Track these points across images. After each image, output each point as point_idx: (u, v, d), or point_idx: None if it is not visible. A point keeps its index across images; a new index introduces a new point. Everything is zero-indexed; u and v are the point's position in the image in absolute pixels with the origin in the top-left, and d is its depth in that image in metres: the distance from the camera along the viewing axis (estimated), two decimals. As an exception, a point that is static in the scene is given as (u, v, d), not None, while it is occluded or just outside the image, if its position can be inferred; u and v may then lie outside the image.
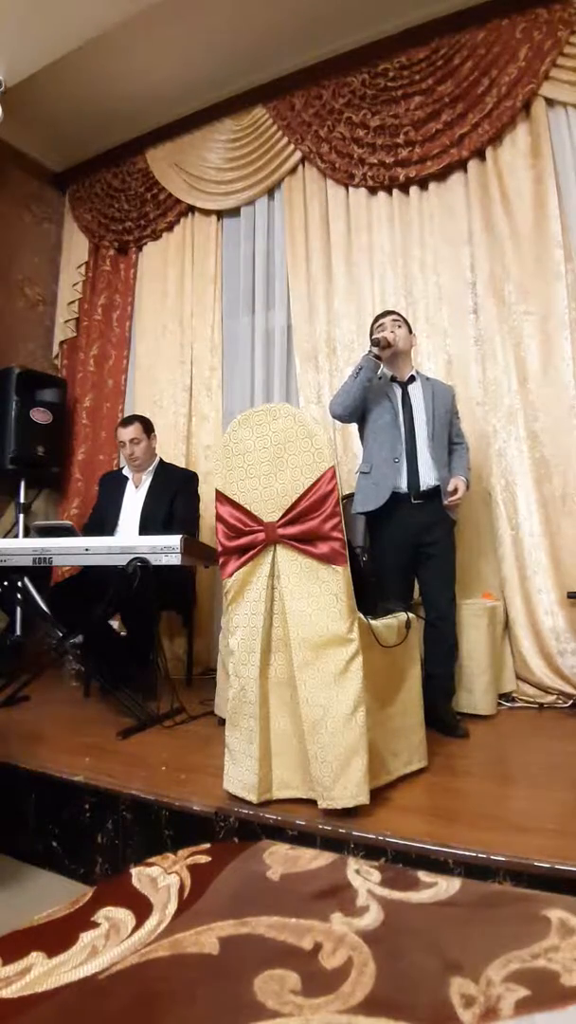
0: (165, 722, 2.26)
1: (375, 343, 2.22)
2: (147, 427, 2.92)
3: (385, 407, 2.29)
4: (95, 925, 0.74)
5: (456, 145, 2.94)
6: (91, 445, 3.86)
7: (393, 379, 2.34)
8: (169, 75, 3.43)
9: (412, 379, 2.34)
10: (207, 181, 3.64)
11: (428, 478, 2.22)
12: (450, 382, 2.77)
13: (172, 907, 0.77)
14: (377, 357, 2.23)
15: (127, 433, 2.86)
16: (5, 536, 3.60)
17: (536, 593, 2.61)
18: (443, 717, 2.11)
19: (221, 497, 1.64)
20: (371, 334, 2.42)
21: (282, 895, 0.80)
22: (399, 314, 2.40)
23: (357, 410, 2.31)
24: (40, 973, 0.65)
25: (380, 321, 2.38)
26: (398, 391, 2.32)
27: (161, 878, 0.85)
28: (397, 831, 1.34)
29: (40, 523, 2.95)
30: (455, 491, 2.22)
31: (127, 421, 2.93)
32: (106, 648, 2.62)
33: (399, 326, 2.33)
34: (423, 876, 0.85)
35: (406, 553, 2.24)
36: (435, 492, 2.21)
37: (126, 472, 3.01)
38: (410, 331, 2.39)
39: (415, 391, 2.32)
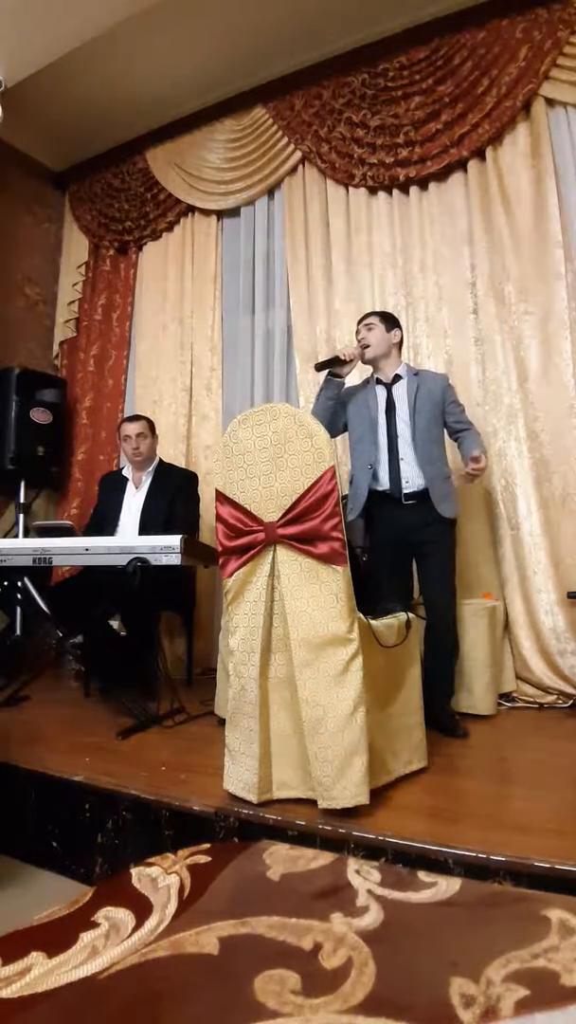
0: (165, 722, 2.25)
1: (318, 368, 2.22)
2: (152, 426, 2.98)
3: (363, 415, 2.28)
4: (95, 925, 0.74)
5: (456, 145, 2.93)
6: (91, 445, 3.86)
7: (379, 380, 2.32)
8: (169, 75, 3.43)
9: (397, 378, 2.30)
10: (207, 181, 3.64)
11: (414, 478, 2.19)
12: (450, 382, 2.76)
13: (172, 907, 0.77)
14: (335, 375, 2.22)
15: (134, 427, 2.90)
16: (5, 536, 3.59)
17: (536, 593, 2.61)
18: (443, 717, 2.11)
19: (221, 497, 1.64)
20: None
21: (282, 895, 0.80)
22: (377, 314, 2.36)
23: (332, 426, 2.28)
24: (40, 973, 0.65)
25: (357, 327, 2.37)
26: (382, 393, 2.29)
27: (161, 878, 0.85)
28: (397, 831, 1.34)
29: (40, 523, 2.95)
30: (477, 460, 2.15)
31: (134, 417, 2.99)
32: (106, 648, 2.62)
33: (371, 329, 2.30)
34: (423, 876, 0.85)
35: (400, 553, 2.23)
36: (424, 493, 2.18)
37: (126, 472, 3.02)
38: (392, 328, 2.32)
39: (399, 391, 2.28)
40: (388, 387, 2.30)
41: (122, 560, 2.20)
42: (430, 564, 2.21)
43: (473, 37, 2.91)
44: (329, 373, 2.23)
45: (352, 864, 0.87)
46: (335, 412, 2.30)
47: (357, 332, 2.36)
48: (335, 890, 0.81)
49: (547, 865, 1.17)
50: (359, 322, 2.38)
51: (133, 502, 2.91)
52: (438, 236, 3.03)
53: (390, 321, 2.35)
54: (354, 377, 2.48)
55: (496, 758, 1.97)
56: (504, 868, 1.19)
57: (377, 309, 2.81)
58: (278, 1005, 0.58)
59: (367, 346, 2.28)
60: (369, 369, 2.41)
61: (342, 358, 2.21)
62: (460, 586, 2.34)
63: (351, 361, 2.23)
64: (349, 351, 2.23)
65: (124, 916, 0.77)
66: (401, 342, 2.39)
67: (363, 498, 2.23)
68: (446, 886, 0.82)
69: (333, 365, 2.22)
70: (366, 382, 2.38)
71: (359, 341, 2.32)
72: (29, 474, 3.61)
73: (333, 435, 2.37)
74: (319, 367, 2.23)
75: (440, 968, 0.64)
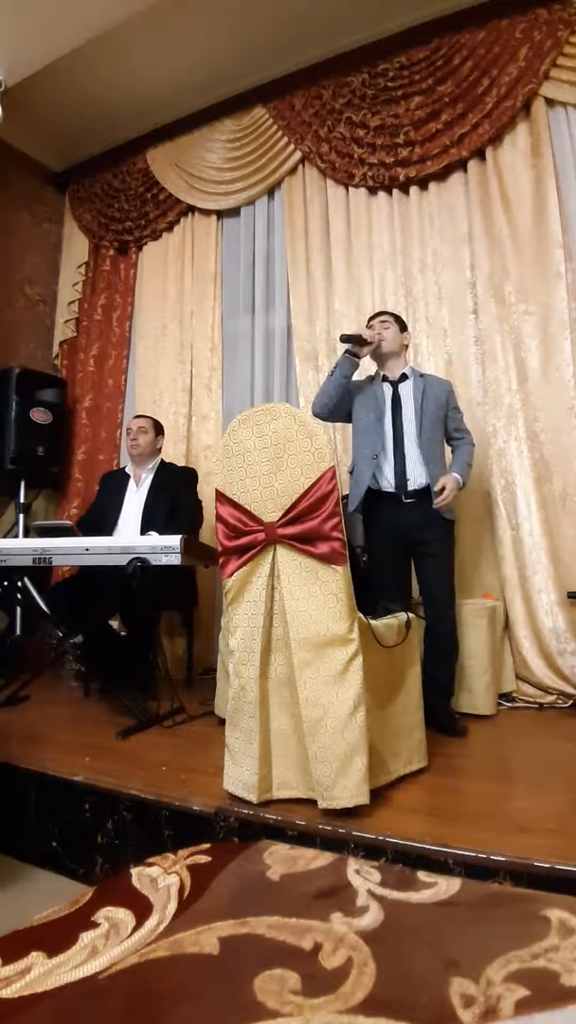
0: (165, 722, 2.26)
1: (343, 339, 2.25)
2: (157, 426, 3.05)
3: (370, 407, 2.30)
4: (95, 925, 0.74)
5: (456, 145, 2.93)
6: (91, 445, 3.86)
7: (385, 378, 2.34)
8: (169, 75, 3.43)
9: (404, 377, 2.34)
10: (207, 181, 3.64)
11: (418, 476, 2.21)
12: (452, 388, 2.76)
13: (172, 907, 0.77)
14: (353, 355, 2.26)
15: (136, 422, 3.01)
16: (5, 536, 3.59)
17: (536, 593, 2.61)
18: (443, 717, 2.11)
19: (221, 497, 1.64)
20: None
21: (282, 895, 0.80)
22: (391, 314, 2.41)
23: (338, 408, 2.33)
24: (40, 973, 0.65)
25: (370, 323, 2.40)
26: (388, 390, 2.32)
27: (161, 878, 0.85)
28: (397, 831, 1.34)
29: (40, 523, 2.95)
30: (442, 490, 2.15)
31: (141, 416, 3.11)
32: (106, 648, 2.62)
33: (386, 327, 2.34)
34: (423, 876, 0.85)
35: (400, 552, 2.24)
36: (426, 491, 2.20)
37: (128, 470, 3.03)
38: (403, 330, 2.39)
39: (405, 390, 2.31)
40: (394, 385, 2.32)
41: (122, 560, 2.20)
42: (430, 563, 2.22)
43: (473, 37, 2.91)
44: (348, 351, 2.26)
45: (352, 864, 0.87)
46: (343, 396, 2.31)
47: (369, 327, 2.38)
48: (335, 890, 0.81)
49: (547, 865, 1.17)
50: (372, 318, 2.42)
51: (134, 499, 2.92)
52: (438, 236, 3.03)
53: (402, 324, 2.41)
54: (358, 377, 2.48)
55: (496, 758, 1.97)
56: (504, 868, 1.19)
57: (377, 309, 2.82)
58: (278, 1005, 0.58)
59: (383, 340, 2.32)
60: (375, 369, 2.43)
61: (365, 338, 2.26)
62: (460, 586, 2.34)
63: (370, 343, 2.27)
64: (370, 334, 2.29)
65: (124, 916, 0.77)
66: (407, 345, 2.44)
67: (363, 487, 2.22)
68: (446, 886, 0.82)
69: (355, 341, 2.25)
70: (371, 379, 2.39)
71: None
72: (29, 474, 3.61)
73: (336, 419, 2.39)
74: (344, 338, 2.26)
75: (440, 968, 0.64)
